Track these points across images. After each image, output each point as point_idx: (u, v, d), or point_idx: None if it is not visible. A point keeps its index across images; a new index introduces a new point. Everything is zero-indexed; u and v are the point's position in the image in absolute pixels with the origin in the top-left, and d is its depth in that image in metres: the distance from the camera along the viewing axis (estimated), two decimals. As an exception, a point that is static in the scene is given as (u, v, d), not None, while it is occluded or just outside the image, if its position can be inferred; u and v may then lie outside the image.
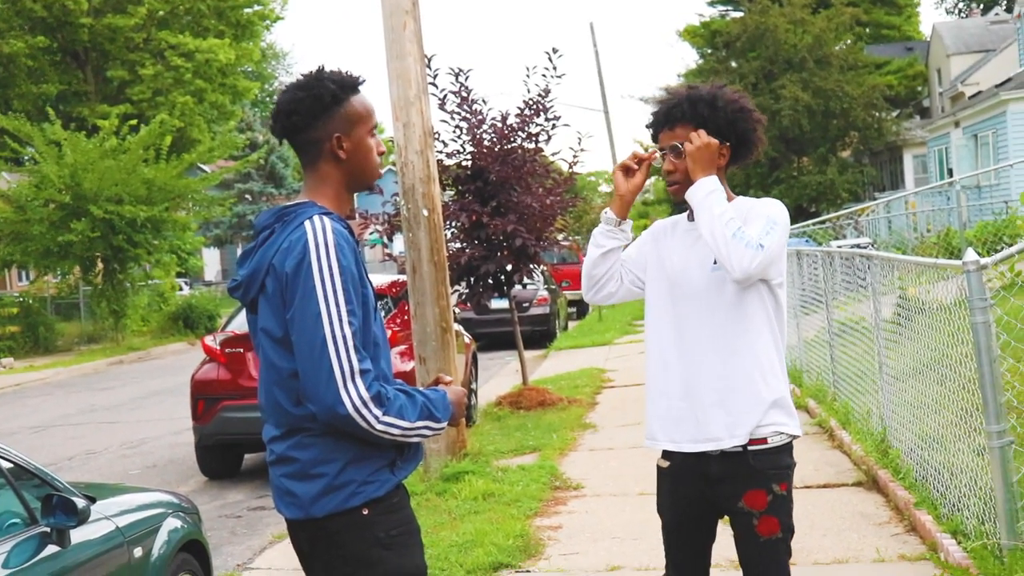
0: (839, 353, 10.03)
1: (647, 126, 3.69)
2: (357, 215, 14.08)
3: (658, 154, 3.61)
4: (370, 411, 2.81)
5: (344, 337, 2.80)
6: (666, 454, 3.67)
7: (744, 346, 3.49)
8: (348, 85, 3.01)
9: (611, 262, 3.73)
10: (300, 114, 2.97)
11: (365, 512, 2.90)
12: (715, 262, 3.48)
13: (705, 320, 3.51)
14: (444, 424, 3.01)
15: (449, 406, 3.04)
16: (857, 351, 9.19)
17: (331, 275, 2.82)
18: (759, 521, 3.47)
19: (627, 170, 3.66)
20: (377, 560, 2.92)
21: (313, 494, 2.89)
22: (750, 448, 3.47)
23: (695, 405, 3.51)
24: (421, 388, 3.04)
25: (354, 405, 2.79)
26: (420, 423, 2.93)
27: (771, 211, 3.51)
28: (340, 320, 2.81)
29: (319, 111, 2.97)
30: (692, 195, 3.49)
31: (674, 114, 3.53)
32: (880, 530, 6.49)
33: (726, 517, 3.63)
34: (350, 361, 2.80)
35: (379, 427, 2.83)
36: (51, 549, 4.31)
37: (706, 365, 3.50)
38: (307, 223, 2.88)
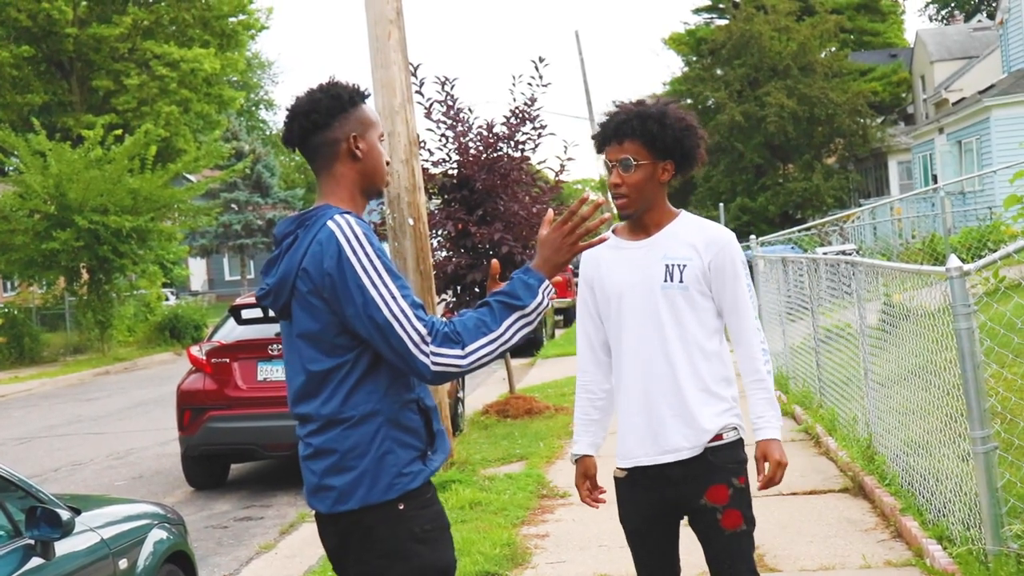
0: (825, 359, 10.06)
1: (593, 137, 3.72)
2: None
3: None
4: (449, 358, 2.92)
5: (403, 311, 2.92)
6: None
7: (695, 356, 3.58)
8: (359, 92, 3.15)
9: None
10: (319, 112, 3.07)
11: (401, 507, 2.98)
12: (665, 280, 3.56)
13: (656, 336, 3.58)
14: (537, 302, 2.98)
15: (531, 280, 3.00)
16: (843, 357, 9.22)
17: (370, 260, 2.93)
18: (723, 515, 3.55)
19: None
20: (412, 554, 2.99)
21: (351, 486, 2.97)
22: (708, 445, 3.56)
23: (652, 419, 3.60)
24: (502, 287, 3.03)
25: (435, 363, 2.91)
26: (509, 322, 2.97)
27: (738, 261, 3.62)
28: (394, 297, 2.92)
29: (337, 110, 3.08)
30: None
31: (624, 129, 3.56)
32: (866, 536, 6.50)
33: (685, 519, 3.69)
34: (417, 330, 2.91)
35: (469, 361, 2.93)
36: (35, 561, 4.30)
37: (660, 379, 3.58)
38: (330, 223, 2.97)
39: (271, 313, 10.69)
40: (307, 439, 3.06)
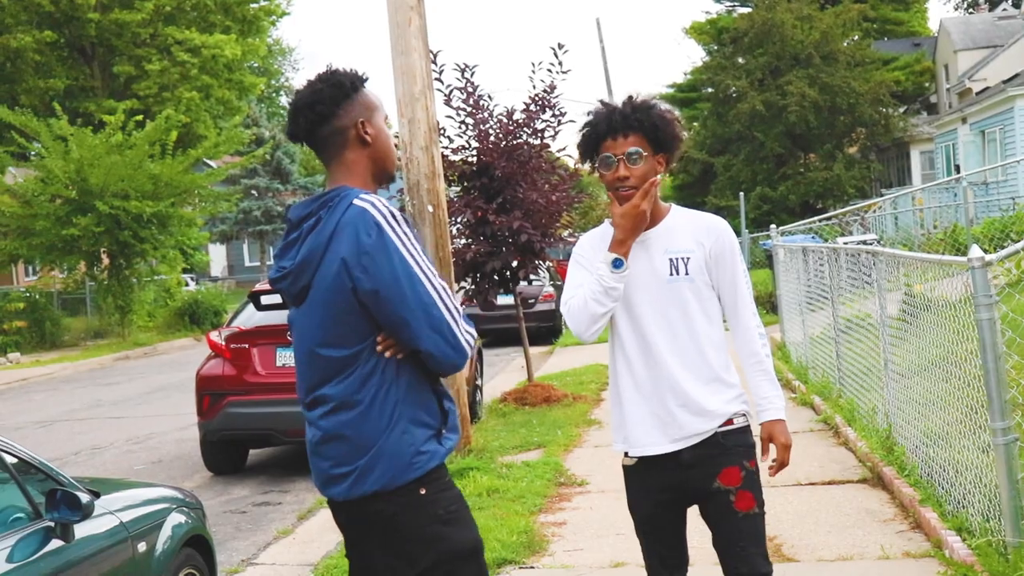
0: (845, 350, 10.02)
1: (586, 133, 3.68)
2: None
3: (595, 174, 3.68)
4: (471, 336, 3.04)
5: (444, 287, 3.00)
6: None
7: (702, 346, 3.63)
8: (359, 77, 3.14)
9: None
10: (323, 103, 3.05)
11: (423, 492, 2.98)
12: (671, 273, 3.61)
13: (664, 326, 3.63)
14: None
15: None
16: (863, 348, 9.18)
17: (408, 238, 2.96)
18: (736, 497, 3.59)
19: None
20: (441, 537, 3.00)
21: (368, 466, 2.97)
22: (719, 430, 3.61)
23: (666, 407, 3.62)
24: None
25: (468, 344, 3.02)
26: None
27: (736, 247, 3.69)
28: (434, 275, 2.99)
29: (341, 98, 3.06)
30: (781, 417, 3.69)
31: (630, 122, 3.59)
32: (885, 527, 6.48)
33: (696, 506, 3.72)
34: (455, 306, 3.01)
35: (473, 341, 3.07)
36: (55, 544, 4.32)
37: (670, 368, 3.62)
38: (358, 202, 2.97)
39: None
40: (320, 421, 3.04)
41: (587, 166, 3.79)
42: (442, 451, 3.04)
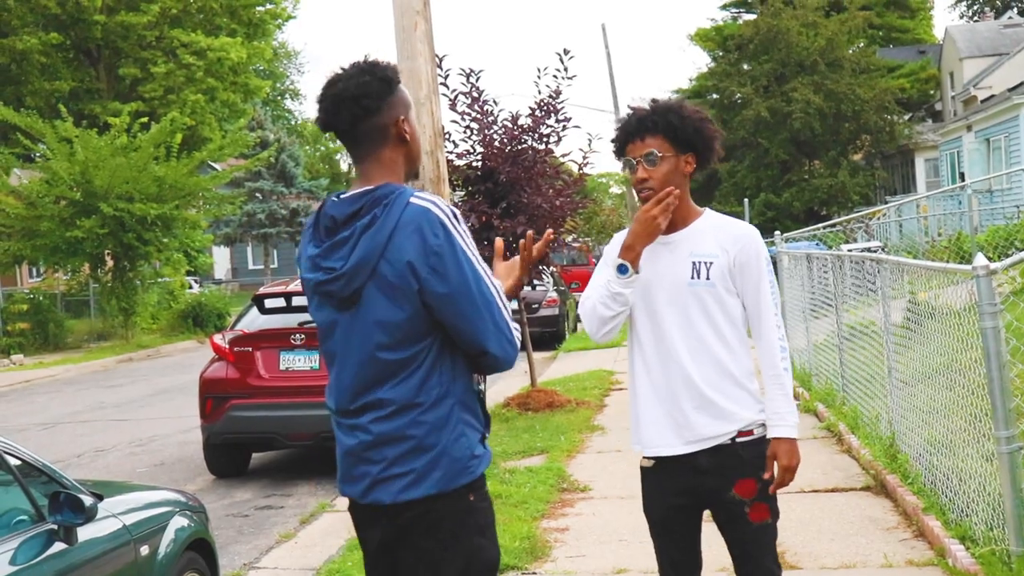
0: (848, 357, 10.01)
1: (612, 140, 3.76)
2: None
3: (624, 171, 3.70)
4: (519, 332, 3.03)
5: (499, 288, 2.99)
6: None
7: (722, 351, 3.61)
8: (397, 71, 3.03)
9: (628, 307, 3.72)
10: (371, 96, 2.92)
11: (471, 498, 2.95)
12: (692, 277, 3.60)
13: (684, 329, 3.61)
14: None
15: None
16: (866, 355, 9.17)
17: (469, 237, 2.93)
18: (751, 509, 3.60)
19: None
20: (478, 547, 2.97)
21: (427, 467, 2.90)
22: (738, 440, 3.61)
23: (681, 410, 3.62)
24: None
25: (519, 339, 3.01)
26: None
27: (763, 257, 3.66)
28: (490, 272, 2.98)
29: (387, 92, 2.95)
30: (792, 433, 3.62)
31: (645, 124, 3.62)
32: (888, 535, 6.47)
33: (708, 512, 3.72)
34: (507, 307, 3.00)
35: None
36: (58, 546, 4.31)
37: (688, 371, 3.60)
38: (417, 200, 2.88)
39: (294, 303, 10.58)
40: (372, 425, 2.93)
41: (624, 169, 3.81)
42: (489, 455, 3.02)
